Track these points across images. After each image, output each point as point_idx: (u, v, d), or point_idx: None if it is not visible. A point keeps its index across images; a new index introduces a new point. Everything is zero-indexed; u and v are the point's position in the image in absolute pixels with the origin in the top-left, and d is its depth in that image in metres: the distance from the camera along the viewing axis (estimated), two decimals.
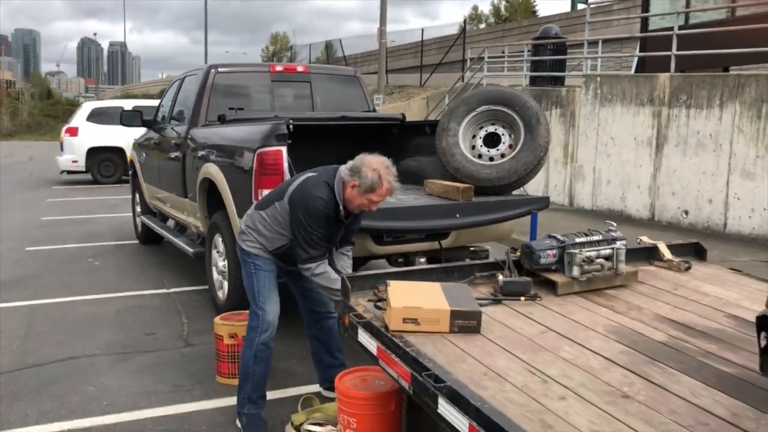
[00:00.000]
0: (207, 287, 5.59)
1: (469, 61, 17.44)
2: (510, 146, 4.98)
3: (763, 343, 1.76)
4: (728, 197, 8.48)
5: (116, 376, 4.21)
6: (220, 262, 5.20)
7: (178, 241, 6.34)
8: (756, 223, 8.11)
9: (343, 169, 3.35)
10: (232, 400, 3.66)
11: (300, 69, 6.54)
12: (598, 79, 10.59)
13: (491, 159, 4.98)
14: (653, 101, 9.50)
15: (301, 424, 3.40)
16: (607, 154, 10.34)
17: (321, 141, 5.77)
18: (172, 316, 5.46)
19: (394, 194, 3.46)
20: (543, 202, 4.90)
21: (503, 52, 18.73)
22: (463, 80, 17.04)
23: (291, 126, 4.49)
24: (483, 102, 5.07)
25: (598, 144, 10.50)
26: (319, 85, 6.51)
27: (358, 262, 4.61)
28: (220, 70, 6.06)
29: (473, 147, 5.06)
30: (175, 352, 4.65)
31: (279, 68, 6.39)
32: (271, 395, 3.87)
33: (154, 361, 4.49)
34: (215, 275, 5.32)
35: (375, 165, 3.28)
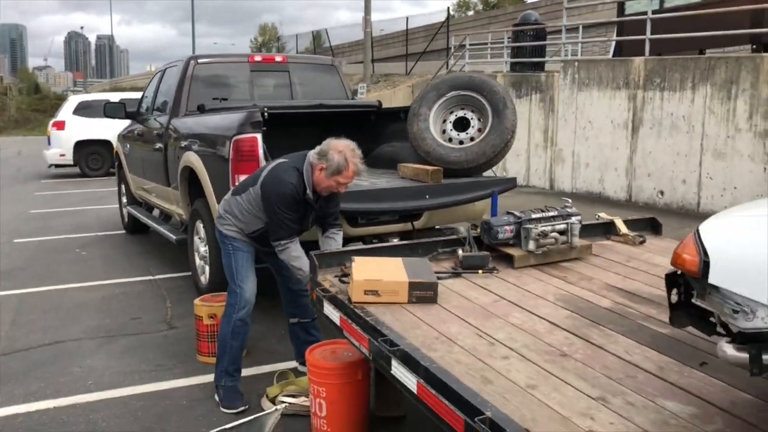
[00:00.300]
0: (190, 273, 5.75)
1: (453, 48, 17.58)
2: (479, 130, 5.15)
3: (674, 299, 1.94)
4: (701, 177, 8.70)
5: (101, 358, 4.38)
6: (201, 247, 5.37)
7: (162, 229, 6.50)
8: (727, 201, 8.32)
9: (312, 154, 3.52)
10: (211, 377, 3.83)
11: (278, 59, 6.69)
12: (576, 64, 10.77)
13: (461, 142, 5.15)
14: (629, 85, 9.69)
15: (276, 396, 3.58)
16: (586, 138, 10.53)
17: (301, 128, 5.92)
18: (157, 301, 5.63)
19: (360, 175, 3.63)
20: (510, 183, 5.07)
21: (495, 38, 18.86)
22: (447, 67, 17.18)
23: (266, 114, 4.64)
24: (452, 88, 5.23)
25: (577, 128, 10.69)
26: (298, 74, 6.66)
27: None
28: (199, 61, 6.21)
29: (444, 131, 5.23)
30: (159, 335, 4.82)
31: (258, 58, 6.53)
32: (250, 371, 4.07)
33: (137, 343, 4.66)
34: (197, 260, 5.49)
35: (341, 148, 3.45)
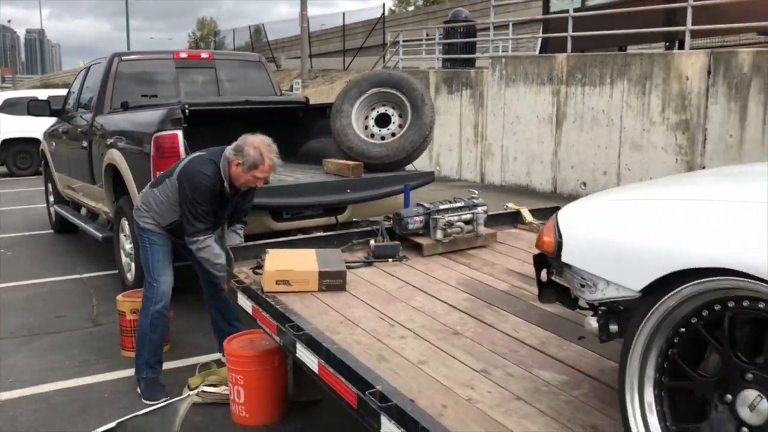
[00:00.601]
0: (117, 271, 5.76)
1: (391, 45, 17.76)
2: (399, 126, 5.33)
3: (543, 278, 2.15)
4: (620, 168, 9.14)
5: (23, 356, 4.38)
6: (127, 244, 5.39)
7: (89, 228, 6.46)
8: None
9: (228, 149, 3.62)
10: (133, 371, 3.89)
11: (204, 56, 6.73)
12: (503, 60, 11.11)
13: (383, 138, 5.33)
14: (552, 80, 10.07)
15: (197, 386, 3.68)
16: (514, 132, 10.89)
17: (229, 125, 5.97)
18: (83, 299, 5.61)
19: (277, 171, 3.75)
20: (427, 177, 5.27)
21: (427, 35, 19.13)
22: (384, 62, 17.36)
23: (186, 111, 4.71)
24: (373, 85, 5.40)
25: (505, 122, 11.03)
26: (225, 71, 6.71)
27: (257, 239, 4.89)
28: (123, 58, 6.20)
29: (366, 127, 5.39)
30: (84, 332, 4.83)
31: (183, 55, 6.55)
32: (174, 364, 4.14)
33: (62, 340, 4.66)
34: (123, 258, 5.50)
35: (256, 144, 3.57)
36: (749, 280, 1.38)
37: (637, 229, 1.67)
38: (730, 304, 1.49)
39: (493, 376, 2.27)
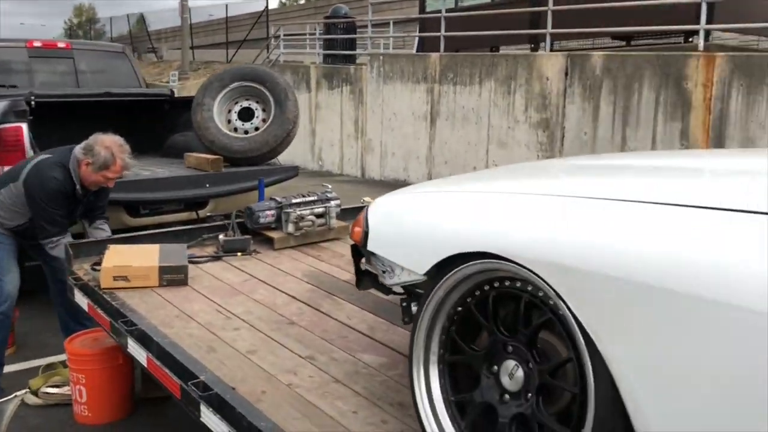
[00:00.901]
0: None
1: (273, 39, 17.61)
2: (263, 120, 5.35)
3: (363, 267, 2.27)
4: (488, 164, 9.58)
5: None
6: None
7: None
8: None
9: (78, 149, 3.53)
10: None
11: (61, 45, 6.44)
12: (381, 57, 11.33)
13: (246, 132, 5.32)
14: (427, 79, 10.39)
15: (39, 387, 3.55)
16: (392, 129, 11.14)
17: (88, 118, 5.75)
18: None
19: (129, 170, 3.70)
20: (292, 171, 5.33)
21: (314, 29, 19.09)
22: (268, 53, 17.20)
23: (33, 102, 4.51)
24: (236, 78, 5.38)
25: (384, 119, 11.26)
26: (85, 61, 6.45)
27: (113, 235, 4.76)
28: None
29: (229, 121, 5.37)
30: None
31: (37, 44, 6.24)
32: (20, 366, 3.98)
33: None
34: None
35: (107, 143, 3.50)
36: (505, 263, 1.55)
37: (423, 218, 1.82)
38: (496, 285, 1.65)
39: (317, 362, 2.37)
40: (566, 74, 8.65)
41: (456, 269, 1.67)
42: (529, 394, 1.56)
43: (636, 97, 8.02)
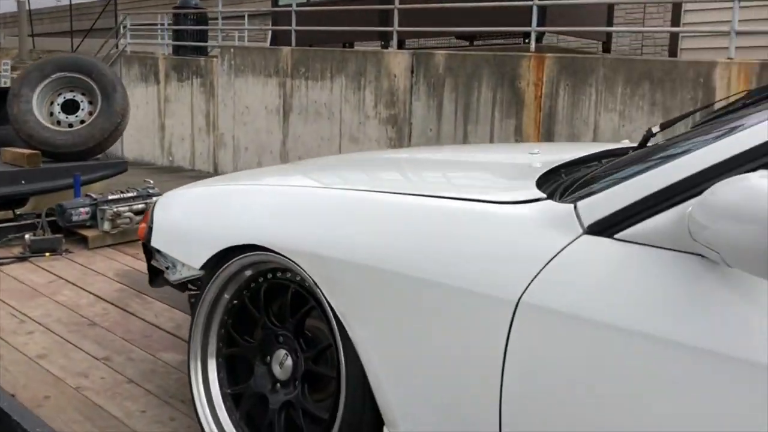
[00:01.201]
0: None
1: (122, 28, 16.71)
2: (90, 113, 5.07)
3: (155, 263, 2.23)
4: None
5: None
6: None
7: None
8: None
9: None
10: None
11: None
12: (232, 50, 11.09)
13: (71, 125, 5.02)
14: (279, 73, 10.31)
15: None
16: (244, 123, 10.94)
17: None
18: None
19: None
20: (120, 167, 5.10)
21: (164, 19, 18.29)
22: (117, 46, 16.30)
23: None
24: (59, 69, 5.06)
25: (236, 113, 11.04)
26: None
27: None
28: None
29: (51, 114, 5.04)
30: None
31: None
32: None
33: None
34: None
35: None
36: (273, 254, 1.58)
37: (200, 214, 1.82)
38: (269, 276, 1.68)
39: (113, 363, 2.30)
40: (412, 72, 8.91)
41: (228, 262, 1.68)
42: (297, 382, 1.61)
43: (476, 95, 8.43)
